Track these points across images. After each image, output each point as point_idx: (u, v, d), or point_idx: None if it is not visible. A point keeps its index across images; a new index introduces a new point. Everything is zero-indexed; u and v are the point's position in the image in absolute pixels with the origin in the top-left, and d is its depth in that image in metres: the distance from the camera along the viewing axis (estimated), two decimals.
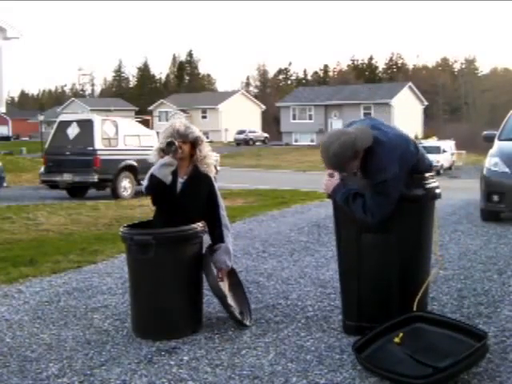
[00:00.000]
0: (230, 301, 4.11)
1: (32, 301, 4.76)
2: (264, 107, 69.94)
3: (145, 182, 4.14)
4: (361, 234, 3.69)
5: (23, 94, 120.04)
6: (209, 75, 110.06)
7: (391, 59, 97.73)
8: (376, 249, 3.67)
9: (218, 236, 4.17)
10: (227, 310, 4.02)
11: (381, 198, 3.52)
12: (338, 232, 3.92)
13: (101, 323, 4.19)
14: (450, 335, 3.30)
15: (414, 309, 3.56)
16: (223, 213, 4.27)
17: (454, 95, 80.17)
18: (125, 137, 15.12)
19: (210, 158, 4.29)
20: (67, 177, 14.56)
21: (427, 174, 3.76)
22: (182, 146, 4.12)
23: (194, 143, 4.20)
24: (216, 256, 4.10)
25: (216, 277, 4.04)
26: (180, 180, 4.17)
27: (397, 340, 3.29)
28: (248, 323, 4.06)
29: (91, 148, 14.41)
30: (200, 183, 4.20)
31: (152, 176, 4.05)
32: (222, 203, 4.33)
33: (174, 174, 4.13)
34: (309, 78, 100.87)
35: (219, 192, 4.33)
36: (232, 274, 4.35)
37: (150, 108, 70.63)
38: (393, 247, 3.63)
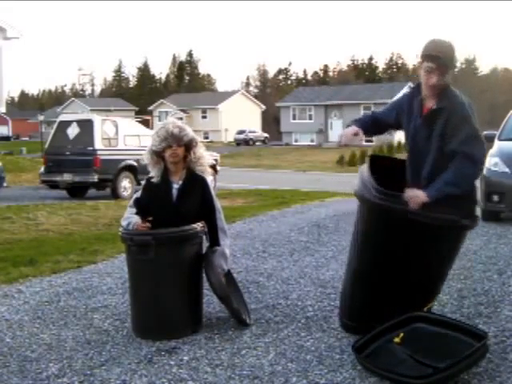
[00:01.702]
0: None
1: (32, 301, 4.76)
2: (264, 107, 69.89)
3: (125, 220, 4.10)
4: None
5: (23, 94, 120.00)
6: (209, 75, 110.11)
7: (391, 59, 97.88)
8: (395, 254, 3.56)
9: (214, 239, 4.14)
10: (231, 309, 4.01)
11: (476, 147, 3.45)
12: (356, 228, 3.78)
13: (101, 323, 4.19)
14: (450, 335, 3.30)
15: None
16: (220, 216, 4.22)
17: None
18: (125, 137, 15.10)
19: (205, 159, 4.23)
20: (67, 177, 14.54)
21: None
22: (177, 149, 4.06)
23: (188, 145, 4.14)
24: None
25: (219, 276, 4.00)
26: (175, 186, 4.12)
27: (397, 340, 3.29)
28: (248, 322, 4.06)
29: (91, 148, 14.40)
30: (195, 187, 4.13)
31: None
32: (219, 206, 4.28)
33: (167, 181, 4.10)
34: (309, 77, 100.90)
35: (215, 194, 4.28)
36: (228, 276, 4.32)
37: (150, 108, 70.59)
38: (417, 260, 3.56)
